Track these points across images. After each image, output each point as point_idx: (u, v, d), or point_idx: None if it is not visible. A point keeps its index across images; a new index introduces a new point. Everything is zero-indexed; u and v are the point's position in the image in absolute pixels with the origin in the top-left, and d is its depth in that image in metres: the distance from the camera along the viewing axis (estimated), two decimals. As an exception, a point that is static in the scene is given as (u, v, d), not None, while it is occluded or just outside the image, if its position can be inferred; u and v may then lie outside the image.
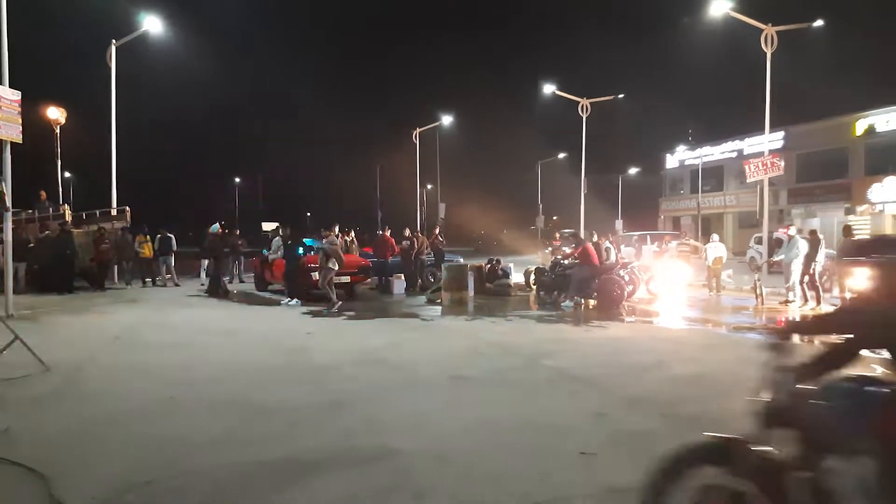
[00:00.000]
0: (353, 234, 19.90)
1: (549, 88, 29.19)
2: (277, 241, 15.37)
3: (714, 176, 42.94)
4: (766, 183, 17.42)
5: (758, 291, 12.84)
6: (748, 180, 17.87)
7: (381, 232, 18.47)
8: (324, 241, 13.10)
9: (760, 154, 19.35)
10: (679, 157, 47.64)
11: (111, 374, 6.65)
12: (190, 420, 5.04)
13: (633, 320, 11.15)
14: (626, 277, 13.38)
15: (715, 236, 16.92)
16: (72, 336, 9.02)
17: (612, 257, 14.39)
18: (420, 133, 36.89)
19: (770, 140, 18.39)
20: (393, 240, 17.52)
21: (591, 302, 12.88)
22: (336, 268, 12.54)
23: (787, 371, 2.53)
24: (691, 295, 15.35)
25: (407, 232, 17.58)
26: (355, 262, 15.69)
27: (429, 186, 44.49)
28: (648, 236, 26.60)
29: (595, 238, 13.77)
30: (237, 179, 70.18)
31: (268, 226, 21.78)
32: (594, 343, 8.71)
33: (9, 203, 10.54)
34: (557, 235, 25.34)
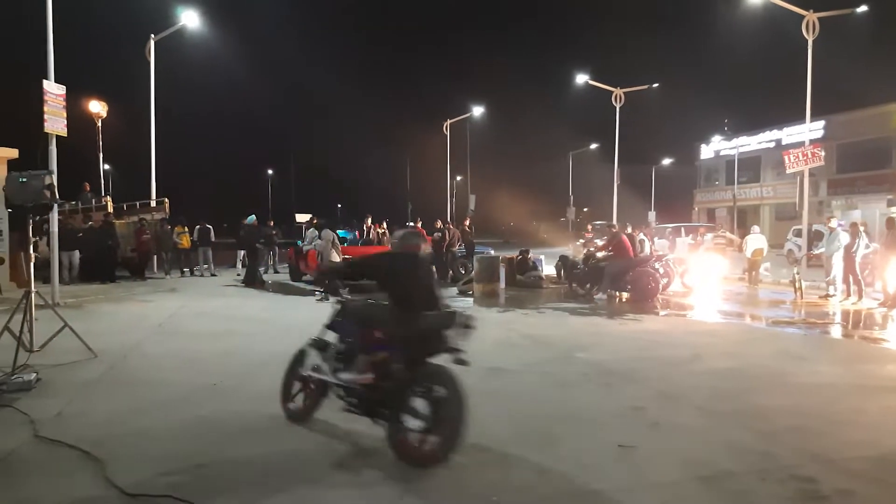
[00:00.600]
0: (385, 225, 20.06)
1: (581, 78, 28.89)
2: (312, 232, 15.58)
3: (751, 167, 42.04)
4: (806, 174, 16.99)
5: (797, 285, 12.57)
6: (788, 171, 17.45)
7: (412, 223, 18.57)
8: (317, 240, 13.86)
9: (800, 144, 18.87)
10: (714, 147, 46.73)
11: (156, 362, 6.87)
12: (234, 407, 5.17)
13: (668, 313, 11.05)
14: (661, 270, 13.24)
15: (755, 228, 16.66)
16: (116, 324, 9.31)
17: (647, 249, 14.24)
18: (451, 124, 36.85)
19: (810, 129, 17.88)
20: (424, 231, 17.60)
21: (625, 295, 12.78)
22: (338, 259, 13.21)
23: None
24: (727, 288, 15.09)
25: (439, 223, 17.63)
26: (388, 253, 15.79)
27: (458, 178, 44.48)
28: (683, 228, 26.18)
29: (629, 230, 13.63)
30: (270, 171, 71.04)
31: (301, 217, 22.00)
32: (629, 336, 8.66)
33: (56, 194, 10.86)
34: (590, 227, 25.12)
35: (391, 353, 4.04)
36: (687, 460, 4.00)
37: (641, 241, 14.49)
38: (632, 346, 7.86)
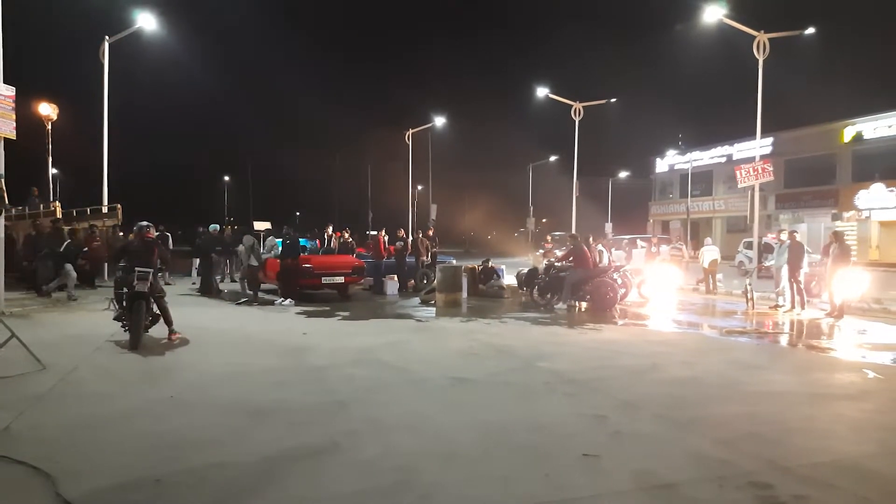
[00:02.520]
0: (347, 233, 19.92)
1: (542, 91, 29.36)
2: (271, 240, 15.32)
3: (703, 181, 43.36)
4: (756, 188, 17.62)
5: (748, 296, 13.00)
6: (739, 185, 18.07)
7: (374, 232, 18.51)
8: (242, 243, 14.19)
9: (751, 159, 19.56)
10: (669, 161, 48.07)
11: (106, 374, 6.62)
12: (191, 419, 5.04)
13: (627, 323, 11.27)
14: (619, 280, 13.51)
15: (708, 240, 17.34)
16: (66, 334, 8.95)
17: (605, 260, 14.51)
18: (413, 134, 36.92)
19: (760, 146, 18.58)
20: (385, 239, 17.56)
21: (584, 305, 12.98)
22: (256, 265, 13.79)
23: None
24: (682, 299, 15.52)
25: (401, 232, 17.61)
26: (349, 262, 15.70)
27: (420, 187, 44.55)
28: (638, 240, 26.78)
29: (591, 240, 13.88)
30: (226, 178, 69.76)
31: (260, 225, 21.63)
32: (589, 346, 8.79)
33: (6, 199, 10.46)
34: (549, 238, 25.47)
35: None
36: (648, 469, 4.08)
37: (600, 252, 14.76)
38: (593, 356, 7.98)
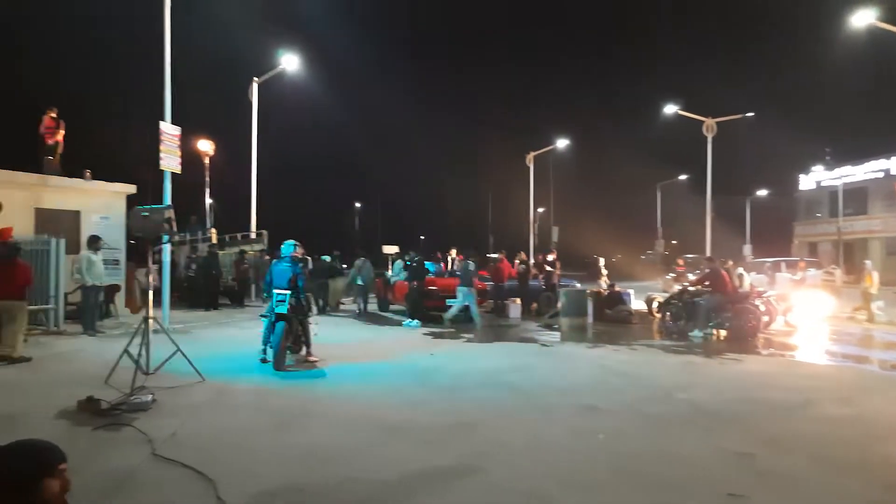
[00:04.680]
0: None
1: (671, 109, 28.22)
2: (399, 263, 15.92)
3: (856, 198, 39.35)
4: (924, 205, 15.75)
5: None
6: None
7: (496, 255, 18.62)
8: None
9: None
10: (815, 177, 44.18)
11: (258, 386, 7.18)
12: (329, 432, 5.32)
13: (772, 353, 10.40)
14: (762, 307, 12.55)
15: (868, 262, 15.71)
16: (220, 349, 9.81)
17: (746, 285, 13.57)
18: (534, 156, 36.87)
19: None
20: (509, 264, 17.59)
21: (723, 333, 12.18)
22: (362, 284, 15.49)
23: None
24: (836, 328, 14.07)
25: (522, 255, 17.57)
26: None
27: (541, 209, 44.24)
28: (783, 263, 24.74)
29: (729, 263, 13.05)
30: (358, 205, 73.42)
31: (388, 249, 22.52)
32: (730, 377, 8.22)
33: (174, 227, 11.73)
34: (681, 261, 24.23)
35: None
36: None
37: (740, 276, 13.83)
38: (734, 388, 7.45)
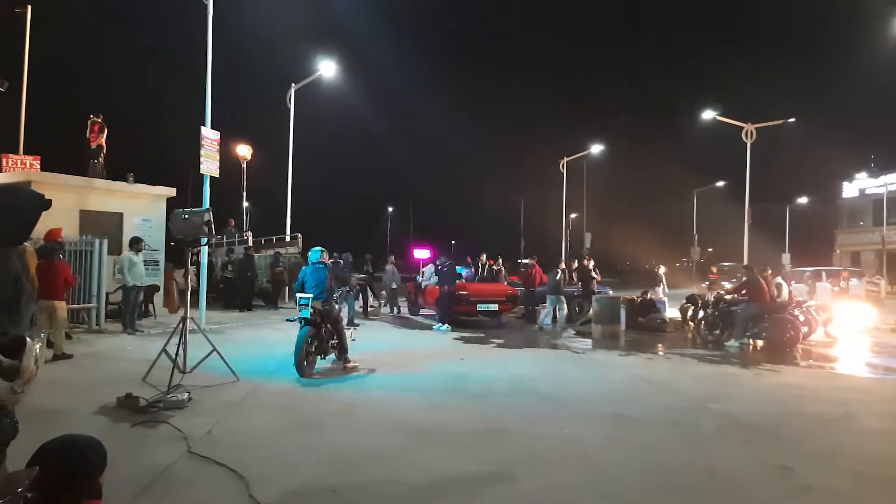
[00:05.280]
0: (500, 261, 20.13)
1: (709, 114, 27.72)
2: (430, 268, 15.97)
3: (903, 206, 38.06)
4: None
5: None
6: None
7: (528, 261, 18.53)
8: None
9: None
10: (859, 185, 42.97)
11: (290, 388, 7.29)
12: (360, 435, 5.37)
13: (810, 365, 10.12)
14: (801, 317, 12.20)
15: None
16: (253, 350, 9.98)
17: (785, 294, 13.23)
18: (567, 162, 36.64)
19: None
20: (540, 269, 17.45)
21: (759, 343, 11.89)
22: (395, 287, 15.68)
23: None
24: (879, 340, 13.60)
25: (562, 265, 17.42)
26: (503, 290, 15.86)
27: (574, 215, 43.88)
28: (823, 272, 24.06)
29: (768, 272, 12.73)
30: (390, 209, 73.89)
31: (419, 253, 22.61)
32: (767, 388, 8.02)
33: (213, 230, 12.00)
34: (715, 269, 23.77)
35: None
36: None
37: (779, 286, 13.49)
38: (771, 399, 7.27)
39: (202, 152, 12.15)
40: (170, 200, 15.01)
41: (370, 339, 11.84)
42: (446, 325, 13.75)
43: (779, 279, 14.19)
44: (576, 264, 18.18)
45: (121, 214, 14.02)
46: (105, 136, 14.44)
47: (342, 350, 8.57)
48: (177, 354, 7.06)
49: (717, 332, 12.33)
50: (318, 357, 8.42)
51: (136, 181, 14.52)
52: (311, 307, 8.06)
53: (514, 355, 10.57)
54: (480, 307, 14.94)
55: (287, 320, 9.17)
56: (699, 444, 5.36)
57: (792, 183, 53.86)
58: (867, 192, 41.95)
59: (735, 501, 4.06)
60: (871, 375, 9.54)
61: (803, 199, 50.82)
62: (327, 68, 20.62)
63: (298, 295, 8.17)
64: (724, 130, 28.04)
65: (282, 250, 18.76)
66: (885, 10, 16.88)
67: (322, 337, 8.35)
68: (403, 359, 9.68)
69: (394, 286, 17.13)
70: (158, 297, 14.42)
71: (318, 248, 8.79)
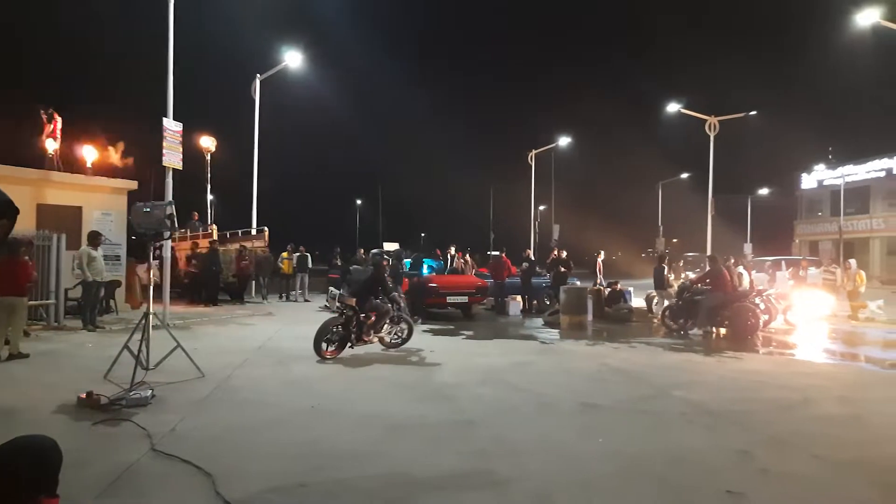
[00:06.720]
0: (467, 254, 20.20)
1: (673, 107, 28.17)
2: (407, 261, 15.93)
3: (858, 197, 39.35)
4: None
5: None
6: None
7: (496, 253, 18.61)
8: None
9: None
10: (817, 176, 44.22)
11: (257, 383, 7.19)
12: (332, 430, 5.33)
13: (770, 352, 10.42)
14: (762, 306, 12.54)
15: (852, 261, 15.94)
16: (220, 345, 9.83)
17: (746, 283, 13.56)
18: (536, 154, 36.84)
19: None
20: (509, 261, 17.58)
21: (722, 331, 12.18)
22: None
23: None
24: (836, 327, 14.08)
25: (528, 253, 17.56)
26: (472, 282, 15.91)
27: (542, 207, 44.21)
28: (783, 262, 24.74)
29: (731, 261, 13.02)
30: (358, 201, 73.37)
31: (389, 246, 22.53)
32: (729, 375, 8.22)
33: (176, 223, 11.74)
34: (682, 261, 24.22)
35: None
36: (804, 512, 3.74)
37: (740, 275, 13.82)
38: (733, 386, 7.46)
39: (164, 144, 11.87)
40: (131, 194, 14.64)
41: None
42: (416, 317, 13.74)
43: (740, 268, 14.54)
44: (555, 255, 18.34)
45: (79, 208, 13.63)
46: (59, 127, 14.02)
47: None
48: (139, 351, 6.90)
49: (682, 320, 12.59)
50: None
51: (95, 174, 14.13)
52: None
53: (483, 347, 10.62)
54: (450, 299, 14.97)
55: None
56: (664, 431, 5.47)
57: (753, 174, 55.28)
58: (825, 183, 43.21)
59: (698, 486, 4.15)
60: (828, 361, 9.85)
61: (764, 191, 52.14)
62: (293, 59, 20.32)
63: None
64: (689, 123, 28.56)
65: (248, 244, 18.47)
66: (844, 6, 17.33)
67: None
68: (371, 351, 9.63)
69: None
70: (120, 293, 14.10)
71: (376, 250, 9.67)
